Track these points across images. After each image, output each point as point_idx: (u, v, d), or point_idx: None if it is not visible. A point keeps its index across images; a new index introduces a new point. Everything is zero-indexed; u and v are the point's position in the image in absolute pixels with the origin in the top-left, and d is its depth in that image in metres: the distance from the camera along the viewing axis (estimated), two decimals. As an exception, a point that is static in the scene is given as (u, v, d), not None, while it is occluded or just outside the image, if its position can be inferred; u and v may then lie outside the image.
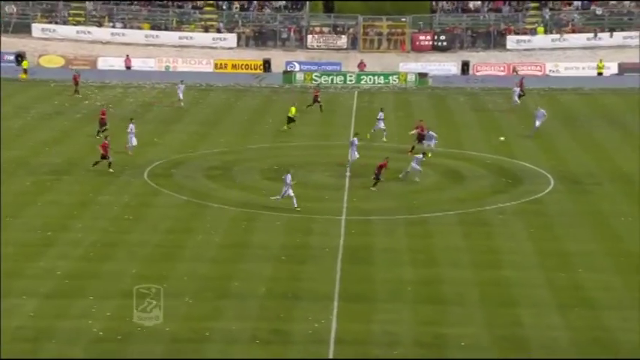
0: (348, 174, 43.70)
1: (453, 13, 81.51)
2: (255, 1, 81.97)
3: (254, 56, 76.75)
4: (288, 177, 37.67)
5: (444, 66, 75.98)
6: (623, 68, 74.65)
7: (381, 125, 51.42)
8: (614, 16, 79.84)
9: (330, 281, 29.96)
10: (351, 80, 72.40)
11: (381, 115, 51.83)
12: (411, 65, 75.36)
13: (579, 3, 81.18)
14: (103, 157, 43.04)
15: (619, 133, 53.94)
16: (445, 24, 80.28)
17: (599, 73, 74.01)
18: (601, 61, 74.37)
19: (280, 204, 37.97)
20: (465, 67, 75.20)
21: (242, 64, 75.84)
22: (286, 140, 52.04)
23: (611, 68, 74.57)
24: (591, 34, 78.00)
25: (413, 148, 47.10)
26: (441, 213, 37.90)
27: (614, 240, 34.64)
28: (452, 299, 28.69)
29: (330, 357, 24.64)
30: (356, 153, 44.88)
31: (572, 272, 31.16)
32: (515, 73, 63.71)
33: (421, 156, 43.09)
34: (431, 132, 47.56)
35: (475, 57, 76.56)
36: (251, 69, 75.09)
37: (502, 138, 39.49)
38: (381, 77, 72.49)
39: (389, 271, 31.15)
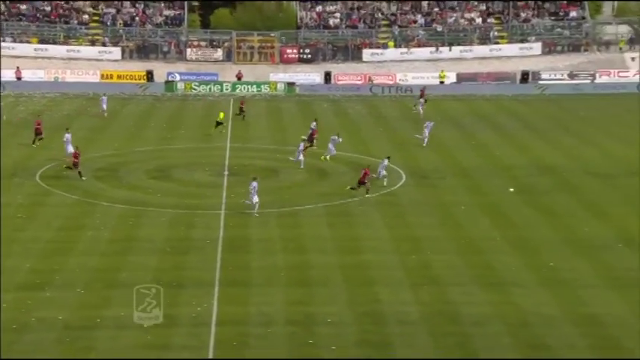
0: (226, 173, 43.38)
1: (316, 29, 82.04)
2: (137, 17, 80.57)
3: (138, 67, 75.25)
4: (254, 184, 36.33)
5: (309, 76, 76.32)
6: (461, 77, 76.80)
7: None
8: (452, 32, 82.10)
9: (211, 269, 29.65)
10: (227, 89, 72.01)
11: (314, 124, 50.51)
12: (280, 75, 75.47)
13: (423, 20, 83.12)
14: (75, 165, 41.18)
15: (459, 134, 55.41)
16: (309, 39, 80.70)
17: (441, 82, 75.76)
18: (442, 71, 76.25)
19: (164, 201, 37.41)
20: (327, 76, 75.71)
21: (127, 75, 74.22)
22: (170, 143, 51.25)
23: (451, 77, 76.52)
24: (434, 48, 80.00)
25: (309, 146, 46.98)
26: (309, 206, 38.04)
27: (456, 226, 35.49)
28: (319, 281, 28.81)
29: (212, 337, 24.42)
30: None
31: (422, 254, 31.74)
32: (422, 90, 63.63)
33: (337, 137, 45.21)
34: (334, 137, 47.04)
35: (336, 68, 77.21)
36: (135, 79, 73.59)
37: (511, 189, 39.83)
38: (254, 86, 72.36)
39: (264, 258, 31.05)
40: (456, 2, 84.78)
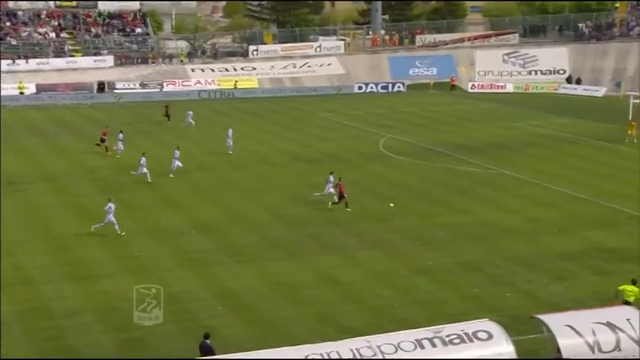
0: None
1: None
2: None
3: None
4: (110, 205, 32.67)
5: None
6: (40, 88, 74.26)
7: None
8: (27, 45, 79.01)
9: None
10: None
11: (120, 135, 47.99)
12: None
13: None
14: None
15: (42, 140, 53.56)
16: None
17: (21, 93, 72.61)
18: (21, 82, 73.00)
19: None
20: None
21: None
22: None
23: (31, 88, 73.62)
24: (11, 61, 76.17)
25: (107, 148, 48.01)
26: None
27: (44, 227, 34.40)
28: None
29: None
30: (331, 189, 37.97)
31: (13, 257, 30.25)
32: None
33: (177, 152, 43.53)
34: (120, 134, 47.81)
35: None
36: None
37: (391, 204, 36.70)
38: None
39: None
40: (27, 17, 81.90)
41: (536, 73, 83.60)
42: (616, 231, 33.97)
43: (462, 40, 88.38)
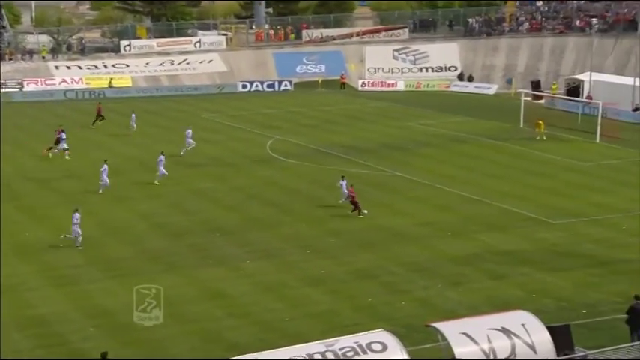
0: None
1: None
2: None
3: None
4: (76, 215, 31.86)
5: None
6: None
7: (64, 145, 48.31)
8: None
9: None
10: None
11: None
12: None
13: None
14: None
15: None
16: None
17: None
18: None
19: None
20: None
21: None
22: None
23: None
24: None
25: (51, 148, 48.57)
26: None
27: None
28: None
29: None
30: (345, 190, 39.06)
31: None
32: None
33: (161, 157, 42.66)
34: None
35: None
36: None
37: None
38: None
39: None
40: None
41: (427, 70, 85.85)
42: (509, 233, 35.28)
43: (350, 36, 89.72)
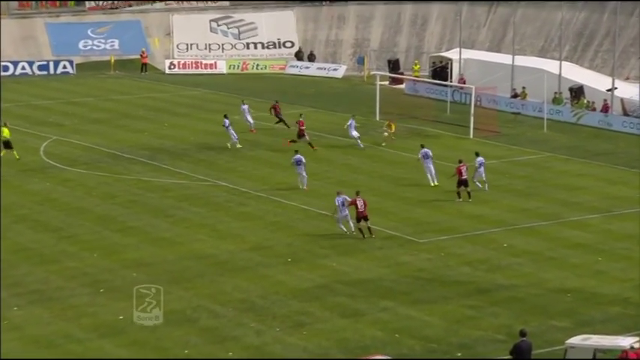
0: None
1: None
2: None
3: None
4: None
5: None
6: None
7: None
8: None
9: None
10: None
11: None
12: None
13: None
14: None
15: None
16: None
17: None
18: None
19: None
20: None
21: None
22: None
23: None
24: None
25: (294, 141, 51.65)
26: None
27: None
28: None
29: None
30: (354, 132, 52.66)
31: None
32: None
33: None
34: None
35: None
36: None
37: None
38: None
39: None
40: None
41: (255, 47, 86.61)
42: (365, 257, 35.95)
43: (151, 0, 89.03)
